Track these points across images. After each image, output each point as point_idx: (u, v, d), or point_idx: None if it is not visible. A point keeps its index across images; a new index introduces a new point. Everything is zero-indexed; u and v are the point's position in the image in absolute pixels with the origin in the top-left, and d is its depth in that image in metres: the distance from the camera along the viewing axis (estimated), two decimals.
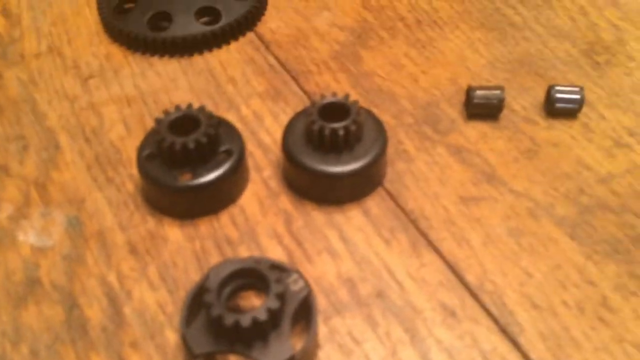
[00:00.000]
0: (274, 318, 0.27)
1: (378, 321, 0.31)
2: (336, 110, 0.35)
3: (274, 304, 0.27)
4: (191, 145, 0.33)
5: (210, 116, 0.35)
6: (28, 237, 0.35)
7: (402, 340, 0.30)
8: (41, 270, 0.33)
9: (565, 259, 0.33)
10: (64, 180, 0.38)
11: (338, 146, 0.34)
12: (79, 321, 0.31)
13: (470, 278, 0.32)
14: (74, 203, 0.36)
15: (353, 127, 0.34)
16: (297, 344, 0.29)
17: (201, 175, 0.34)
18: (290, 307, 0.28)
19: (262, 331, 0.27)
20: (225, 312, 0.27)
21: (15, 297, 0.32)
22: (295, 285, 0.29)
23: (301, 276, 0.29)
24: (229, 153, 0.35)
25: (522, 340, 0.30)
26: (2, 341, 0.31)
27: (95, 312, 0.32)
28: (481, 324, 0.31)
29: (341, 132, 0.34)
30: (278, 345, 0.27)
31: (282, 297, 0.28)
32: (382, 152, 0.35)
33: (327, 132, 0.34)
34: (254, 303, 0.31)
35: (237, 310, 0.31)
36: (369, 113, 0.37)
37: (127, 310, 0.32)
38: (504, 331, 0.30)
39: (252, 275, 0.29)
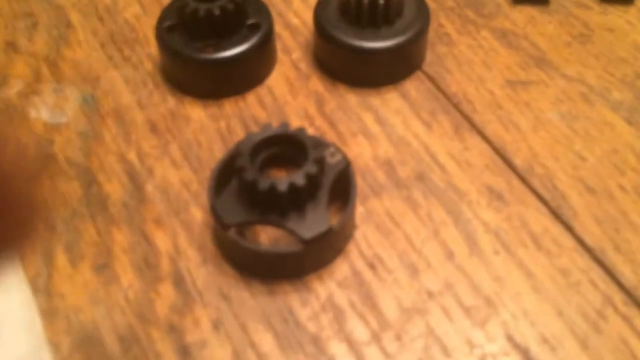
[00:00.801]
0: (312, 186, 0.25)
1: (419, 203, 0.29)
2: None
3: (312, 169, 0.25)
4: (216, 11, 0.30)
5: None
6: (40, 113, 0.32)
7: (445, 222, 0.28)
8: (55, 146, 0.31)
9: (622, 143, 0.30)
10: (77, 58, 0.35)
11: (377, 19, 0.31)
12: (98, 197, 0.29)
13: (518, 161, 0.30)
14: (88, 81, 0.34)
15: None
16: (334, 219, 0.27)
17: (226, 48, 0.31)
18: (328, 179, 0.26)
19: (298, 200, 0.25)
20: (260, 176, 0.24)
21: (28, 172, 0.30)
22: (332, 158, 0.27)
23: (338, 149, 0.27)
24: (256, 27, 0.32)
25: (575, 223, 0.28)
26: None
27: (115, 189, 0.29)
28: (531, 206, 0.28)
29: (381, 2, 0.31)
30: (315, 216, 0.25)
31: (320, 163, 0.25)
32: (425, 27, 0.32)
33: (366, 2, 0.31)
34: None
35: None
36: None
37: (149, 188, 0.30)
38: (555, 214, 0.28)
39: (289, 143, 0.26)
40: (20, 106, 0.33)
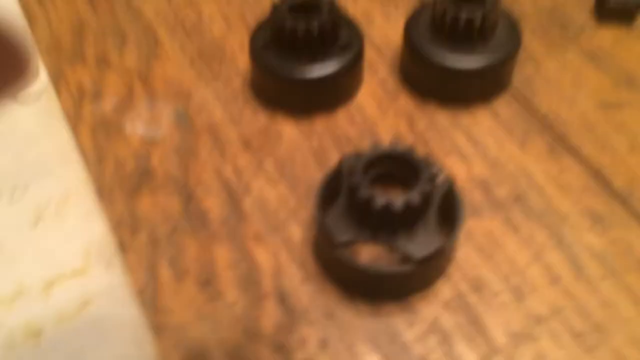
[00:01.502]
0: (425, 205, 0.25)
1: (519, 225, 0.29)
2: (468, 0, 0.32)
3: (427, 187, 0.25)
4: (315, 31, 0.31)
5: (332, 3, 0.32)
6: (136, 128, 0.33)
7: (547, 245, 0.28)
8: (153, 160, 0.32)
9: None
10: (168, 74, 0.35)
11: (472, 38, 0.31)
12: (197, 212, 0.30)
13: (617, 184, 0.30)
14: (180, 97, 0.34)
15: (491, 16, 0.31)
16: (441, 237, 0.27)
17: (321, 67, 0.32)
18: (435, 199, 0.26)
19: (410, 219, 0.25)
20: (375, 194, 0.25)
21: (128, 187, 0.31)
22: (437, 178, 0.27)
23: (441, 169, 0.27)
24: (348, 46, 0.33)
25: None
26: (120, 229, 0.29)
27: (214, 204, 0.30)
28: (633, 230, 0.28)
29: (478, 21, 0.31)
30: (425, 236, 0.25)
31: (433, 181, 0.25)
32: (517, 46, 0.32)
33: (462, 21, 0.31)
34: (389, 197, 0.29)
35: None
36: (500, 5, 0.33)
37: (247, 204, 0.30)
38: None
39: (398, 162, 0.26)
40: (115, 121, 0.33)
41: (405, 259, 0.25)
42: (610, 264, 0.27)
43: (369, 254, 0.28)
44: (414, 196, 0.25)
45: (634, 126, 0.32)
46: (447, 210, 0.27)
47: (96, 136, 0.33)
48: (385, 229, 0.25)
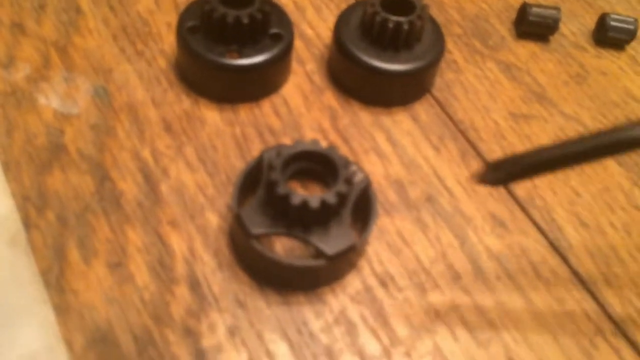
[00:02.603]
0: (340, 204, 0.26)
1: (428, 224, 0.30)
2: (398, 4, 0.33)
3: (343, 188, 0.26)
4: (245, 19, 0.31)
5: None
6: (50, 101, 0.32)
7: (452, 245, 0.29)
8: (66, 137, 0.30)
9: (613, 183, 0.33)
10: (88, 47, 0.34)
11: (398, 43, 0.32)
12: (111, 193, 0.29)
13: (520, 192, 0.32)
14: (100, 72, 0.33)
15: (418, 23, 0.32)
16: (354, 233, 0.28)
17: (249, 55, 0.32)
18: (351, 197, 0.27)
19: (325, 217, 0.26)
20: (292, 192, 0.25)
21: (38, 161, 0.29)
22: (354, 177, 0.27)
23: (360, 168, 0.28)
24: (278, 37, 0.33)
25: (570, 255, 0.30)
26: (26, 206, 0.28)
27: (129, 186, 0.29)
28: (530, 236, 0.30)
29: (405, 27, 0.32)
30: (339, 233, 0.26)
31: (350, 182, 0.26)
32: (441, 54, 0.33)
33: (390, 25, 0.32)
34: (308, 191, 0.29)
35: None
36: (428, 13, 0.35)
37: (163, 188, 0.29)
38: (553, 245, 0.30)
39: (317, 160, 0.27)
40: (27, 91, 0.32)
41: (318, 254, 0.26)
42: (505, 265, 0.29)
43: (282, 245, 0.28)
44: (330, 196, 0.25)
45: (539, 139, 0.34)
46: (362, 209, 0.28)
47: (6, 107, 0.31)
48: (300, 224, 0.26)
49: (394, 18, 0.32)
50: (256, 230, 0.26)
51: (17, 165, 0.29)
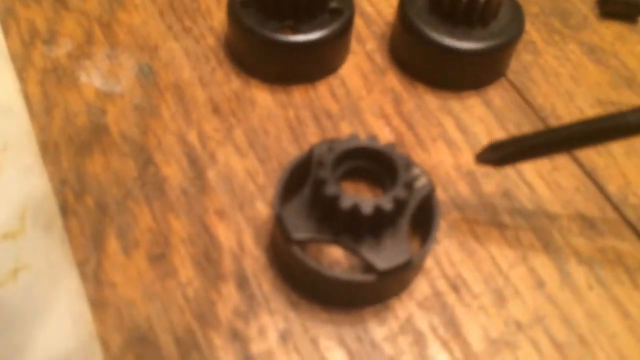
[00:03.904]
0: (397, 212, 0.22)
1: (505, 222, 0.26)
2: None
3: (402, 193, 0.22)
4: None
5: None
6: (92, 79, 0.29)
7: (535, 247, 0.26)
8: (108, 117, 0.28)
9: None
10: (133, 23, 0.32)
11: (473, 18, 0.29)
12: (154, 179, 0.26)
13: (611, 188, 0.28)
14: (145, 49, 0.31)
15: None
16: (412, 246, 0.25)
17: (305, 31, 0.29)
18: (411, 205, 0.23)
19: (379, 225, 0.22)
20: (342, 193, 0.22)
21: (77, 142, 0.27)
22: (416, 182, 0.24)
23: (423, 172, 0.24)
24: (337, 12, 0.30)
25: None
26: (63, 190, 0.26)
27: (174, 172, 0.27)
28: (626, 239, 0.26)
29: (481, 1, 0.28)
30: (393, 245, 0.22)
31: (410, 187, 0.23)
32: (519, 32, 0.30)
33: None
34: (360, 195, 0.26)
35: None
36: None
37: (210, 175, 0.27)
38: None
39: (375, 158, 0.23)
40: (69, 68, 0.30)
41: (368, 267, 0.22)
42: (598, 272, 0.25)
43: (329, 254, 0.25)
44: (386, 201, 0.22)
45: None
46: (423, 219, 0.24)
47: (46, 84, 0.29)
48: (350, 231, 0.22)
49: None
50: (298, 235, 0.22)
51: (56, 147, 0.27)
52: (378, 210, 0.21)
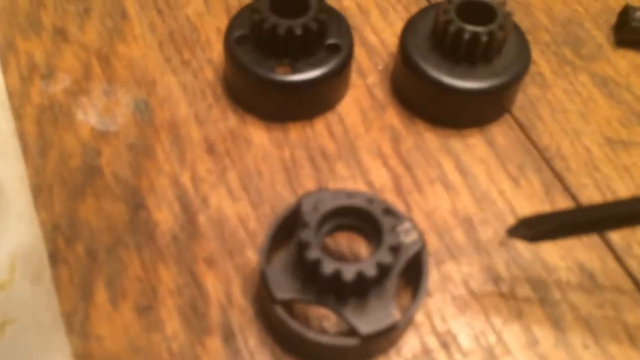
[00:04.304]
0: (382, 275, 0.22)
1: (501, 274, 0.26)
2: (477, 11, 0.28)
3: (386, 258, 0.21)
4: (298, 31, 0.27)
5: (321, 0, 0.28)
6: (88, 117, 0.29)
7: (530, 300, 0.25)
8: (103, 158, 0.28)
9: None
10: (132, 56, 0.32)
11: (475, 56, 0.28)
12: (145, 225, 0.26)
13: (614, 237, 0.27)
14: (143, 84, 0.31)
15: (499, 34, 0.27)
16: (397, 303, 0.24)
17: (302, 70, 0.28)
18: (399, 263, 0.22)
19: (363, 288, 0.22)
20: (325, 258, 0.21)
21: (71, 185, 0.27)
22: (407, 237, 0.23)
23: (414, 226, 0.23)
24: (335, 48, 0.29)
25: None
26: (55, 236, 0.26)
27: (165, 217, 0.27)
28: (626, 293, 0.25)
29: (484, 39, 0.27)
30: (378, 307, 0.22)
31: (395, 251, 0.22)
32: (524, 69, 0.28)
33: (466, 36, 0.27)
34: (352, 247, 0.26)
35: (332, 253, 0.25)
36: (512, 21, 0.30)
37: (202, 220, 0.27)
38: None
39: (360, 217, 0.23)
40: (66, 105, 0.30)
41: (351, 331, 0.22)
42: (595, 329, 0.24)
43: (317, 311, 0.24)
44: (369, 267, 0.21)
45: None
46: (414, 272, 0.24)
47: (42, 122, 0.29)
48: (333, 293, 0.22)
49: (471, 28, 0.27)
50: (282, 295, 0.22)
51: (49, 190, 0.27)
52: (360, 276, 0.21)
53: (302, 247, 0.21)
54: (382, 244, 0.22)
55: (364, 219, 0.23)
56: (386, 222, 0.22)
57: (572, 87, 0.31)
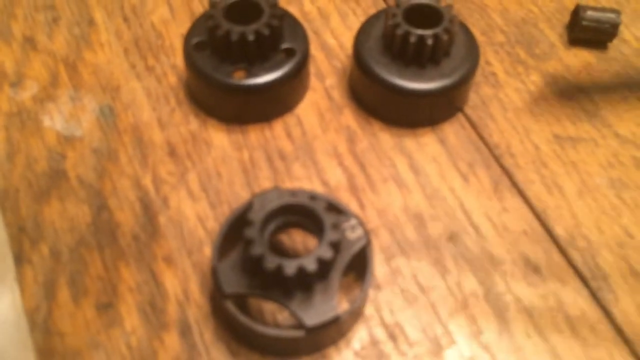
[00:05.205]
0: (324, 269, 0.23)
1: (449, 268, 0.27)
2: (424, 14, 0.29)
3: (326, 253, 0.22)
4: (250, 36, 0.28)
5: (274, 4, 0.29)
6: (54, 122, 0.30)
7: (476, 293, 0.26)
8: (68, 162, 0.29)
9: None
10: (98, 63, 0.33)
11: (423, 58, 0.29)
12: (107, 225, 0.27)
13: (559, 230, 0.28)
14: (108, 90, 0.32)
15: (445, 37, 0.28)
16: (344, 298, 0.25)
17: (257, 74, 0.29)
18: (343, 258, 0.24)
19: (306, 282, 0.23)
20: (268, 254, 0.22)
21: (37, 189, 0.28)
22: (352, 233, 0.24)
23: (360, 223, 0.24)
24: (291, 52, 0.30)
25: (615, 310, 0.26)
26: (20, 237, 0.27)
27: (126, 218, 0.28)
28: (568, 284, 0.26)
29: (430, 42, 0.28)
30: (323, 300, 0.23)
31: (336, 246, 0.23)
32: (473, 70, 0.30)
33: (412, 39, 0.28)
34: (300, 242, 0.27)
35: (280, 249, 0.27)
36: (460, 23, 0.31)
37: (162, 220, 0.28)
38: (595, 297, 0.26)
39: (304, 214, 0.24)
40: (33, 111, 0.31)
41: (297, 324, 0.23)
42: (537, 320, 0.25)
43: (270, 305, 0.26)
44: (310, 262, 0.22)
45: (587, 167, 0.30)
46: (360, 269, 0.25)
47: (10, 128, 0.30)
48: (279, 287, 0.23)
49: (417, 31, 0.28)
50: (230, 289, 0.23)
51: (16, 193, 0.28)
52: (301, 271, 0.22)
53: (247, 243, 0.22)
54: (323, 240, 0.23)
55: (307, 216, 0.24)
56: (327, 218, 0.23)
57: (523, 86, 0.32)
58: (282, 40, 0.30)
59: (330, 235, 0.23)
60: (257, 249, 0.22)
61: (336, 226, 0.23)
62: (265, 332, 0.23)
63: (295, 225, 0.24)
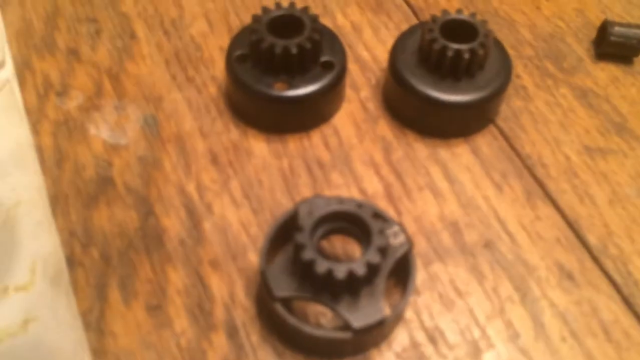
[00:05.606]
0: (371, 274, 0.24)
1: (485, 274, 0.28)
2: (460, 29, 0.30)
3: (374, 258, 0.23)
4: (293, 50, 0.29)
5: (315, 19, 0.30)
6: (100, 131, 0.32)
7: (512, 299, 0.27)
8: (114, 169, 0.30)
9: None
10: (140, 74, 0.34)
11: (459, 72, 0.30)
12: (155, 230, 0.28)
13: (591, 239, 0.29)
14: (151, 100, 0.33)
15: (480, 51, 0.29)
16: (388, 301, 0.26)
17: (298, 86, 0.30)
18: (388, 263, 0.24)
19: (354, 286, 0.24)
20: (319, 258, 0.23)
21: (85, 195, 0.29)
22: (395, 239, 0.25)
23: (403, 229, 0.25)
24: (329, 65, 0.31)
25: None
26: (71, 242, 0.28)
27: (172, 223, 0.29)
28: (602, 291, 0.27)
29: (466, 56, 0.29)
30: (369, 304, 0.24)
31: (383, 251, 0.24)
32: (506, 83, 0.31)
33: (450, 53, 0.29)
34: (346, 248, 0.28)
35: (327, 254, 0.27)
36: (494, 38, 0.32)
37: (207, 226, 0.29)
38: (627, 302, 0.27)
39: (351, 221, 0.25)
40: (79, 120, 0.32)
41: (345, 324, 0.24)
42: (572, 325, 0.26)
43: (315, 308, 0.26)
44: (359, 267, 0.23)
45: (617, 177, 0.30)
46: (403, 272, 0.26)
47: (58, 136, 0.31)
48: (327, 291, 0.24)
49: (454, 46, 0.29)
50: (280, 292, 0.24)
51: (65, 199, 0.29)
52: (351, 275, 0.23)
53: (298, 248, 0.23)
54: (370, 246, 0.24)
55: (354, 222, 0.25)
56: (374, 225, 0.24)
57: (553, 99, 0.33)
58: (322, 54, 0.31)
59: (378, 241, 0.24)
60: (308, 254, 0.23)
61: (382, 232, 0.24)
62: (314, 334, 0.24)
63: (340, 231, 0.25)
